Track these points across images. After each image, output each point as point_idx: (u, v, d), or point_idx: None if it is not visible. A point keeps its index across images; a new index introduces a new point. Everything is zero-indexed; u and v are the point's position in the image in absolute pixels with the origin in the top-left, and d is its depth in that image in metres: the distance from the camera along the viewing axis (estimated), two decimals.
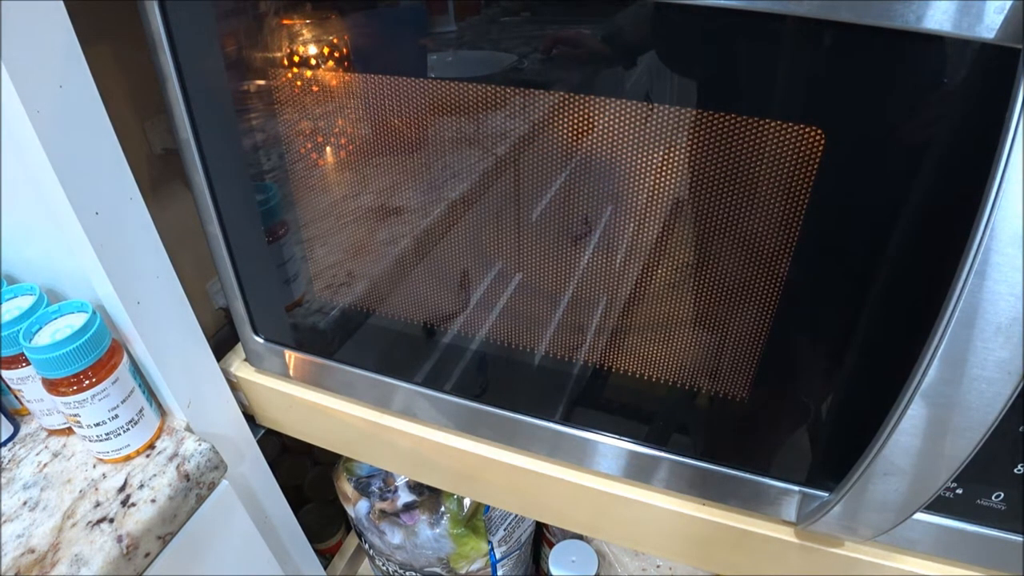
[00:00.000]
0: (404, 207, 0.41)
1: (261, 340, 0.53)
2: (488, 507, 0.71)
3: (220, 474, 0.49)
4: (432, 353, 0.47)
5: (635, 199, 0.34)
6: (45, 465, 0.47)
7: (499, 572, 0.75)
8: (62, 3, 0.36)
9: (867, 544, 0.42)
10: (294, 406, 0.56)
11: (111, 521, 0.42)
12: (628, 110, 0.32)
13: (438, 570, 0.73)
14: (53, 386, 0.42)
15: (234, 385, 0.57)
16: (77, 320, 0.42)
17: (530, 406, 0.46)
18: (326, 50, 0.37)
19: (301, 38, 0.37)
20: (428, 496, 0.70)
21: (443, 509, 0.70)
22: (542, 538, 0.81)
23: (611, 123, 0.32)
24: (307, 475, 0.92)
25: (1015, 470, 0.35)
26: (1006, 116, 0.24)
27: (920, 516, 0.38)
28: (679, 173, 0.32)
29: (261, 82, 0.39)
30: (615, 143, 0.33)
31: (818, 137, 0.29)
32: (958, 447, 0.32)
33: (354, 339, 0.50)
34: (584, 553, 0.71)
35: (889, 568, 0.41)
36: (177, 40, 0.38)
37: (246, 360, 0.56)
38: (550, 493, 0.49)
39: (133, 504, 0.43)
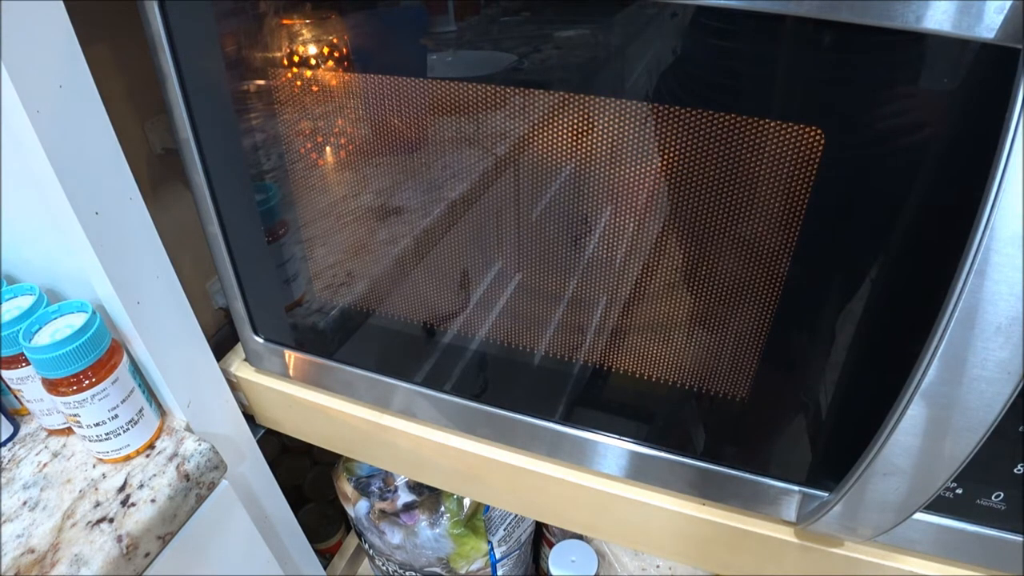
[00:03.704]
0: (404, 207, 0.41)
1: (261, 340, 0.53)
2: (488, 507, 0.71)
3: (220, 474, 0.49)
4: (432, 353, 0.47)
5: (635, 199, 0.34)
6: (45, 465, 0.47)
7: (499, 572, 0.75)
8: (62, 3, 0.36)
9: (867, 544, 0.42)
10: (294, 406, 0.56)
11: (111, 521, 0.42)
12: (628, 110, 0.32)
13: (438, 570, 0.73)
14: (53, 386, 0.42)
15: (234, 385, 0.57)
16: (77, 320, 0.42)
17: (530, 406, 0.46)
18: (326, 50, 0.37)
19: (301, 38, 0.37)
20: (428, 496, 0.70)
21: (443, 509, 0.70)
22: (542, 538, 0.81)
23: (611, 123, 0.32)
24: (307, 475, 0.92)
25: (1015, 470, 0.35)
26: (1006, 116, 0.24)
27: (920, 516, 0.38)
28: (679, 173, 0.32)
29: (261, 82, 0.39)
30: (615, 143, 0.33)
31: (818, 137, 0.29)
32: (958, 447, 0.32)
33: (354, 339, 0.50)
34: (584, 553, 0.71)
35: (889, 568, 0.41)
36: (177, 40, 0.38)
37: (246, 360, 0.56)
38: (550, 493, 0.49)
39: (133, 504, 0.43)
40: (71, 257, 0.42)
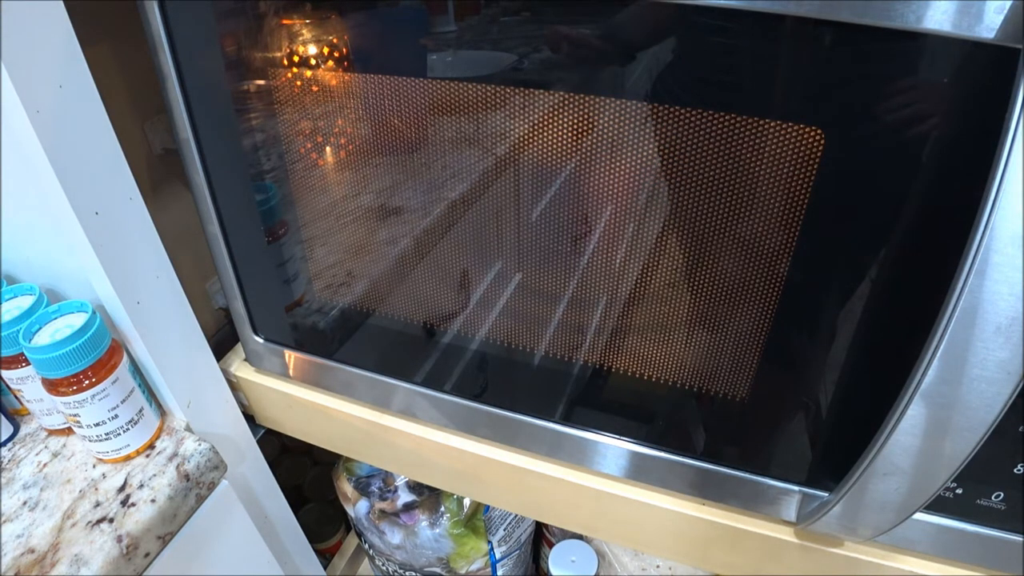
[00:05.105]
0: (404, 207, 0.41)
1: (261, 340, 0.53)
2: (488, 507, 0.71)
3: (220, 474, 0.49)
4: (432, 353, 0.47)
5: (635, 199, 0.34)
6: (45, 465, 0.47)
7: (499, 572, 0.75)
8: (62, 3, 0.36)
9: (867, 544, 0.42)
10: (294, 406, 0.56)
11: (111, 521, 0.42)
12: (628, 110, 0.32)
13: (438, 570, 0.73)
14: (53, 386, 0.42)
15: (234, 385, 0.57)
16: (77, 320, 0.42)
17: (530, 406, 0.46)
18: (326, 50, 0.37)
19: (301, 38, 0.37)
20: (428, 496, 0.70)
21: (443, 509, 0.70)
22: (542, 538, 0.81)
23: (611, 123, 0.32)
24: (307, 475, 0.92)
25: (1015, 470, 0.35)
26: (1006, 116, 0.24)
27: (920, 516, 0.38)
28: (679, 173, 0.32)
29: (261, 82, 0.39)
30: (615, 143, 0.33)
31: (818, 137, 0.29)
32: (958, 447, 0.32)
33: (354, 339, 0.50)
34: (584, 553, 0.71)
35: (889, 568, 0.41)
36: (177, 40, 0.38)
37: (246, 360, 0.56)
38: (550, 493, 0.49)
39: (133, 504, 0.43)
40: (71, 257, 0.42)
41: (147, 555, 0.43)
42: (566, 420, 0.45)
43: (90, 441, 0.45)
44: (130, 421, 0.45)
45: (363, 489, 0.71)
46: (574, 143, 0.34)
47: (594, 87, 0.32)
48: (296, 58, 0.37)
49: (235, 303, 0.51)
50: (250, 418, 0.60)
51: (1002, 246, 0.26)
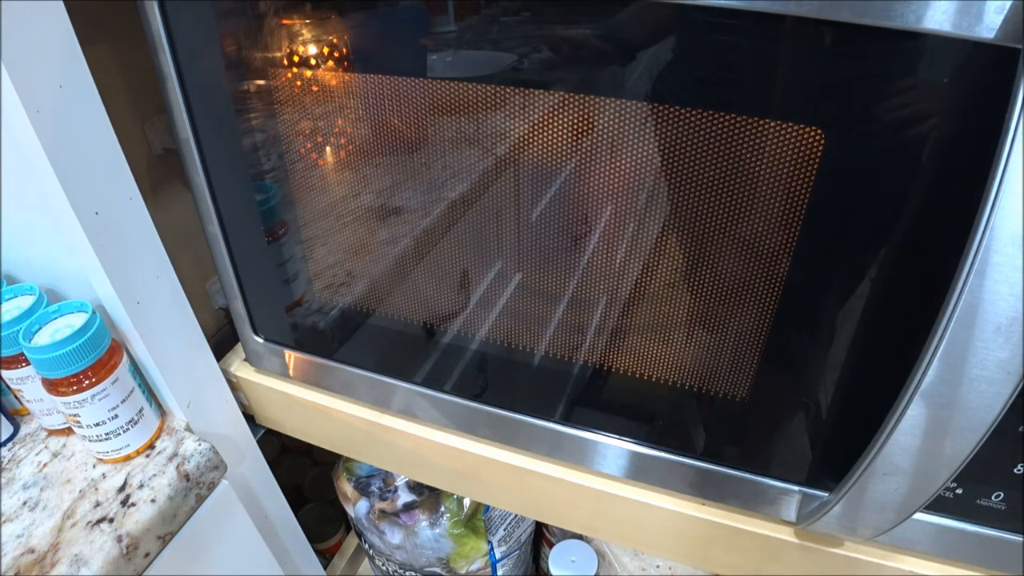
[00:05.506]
0: (404, 207, 0.41)
1: (261, 340, 0.53)
2: (488, 507, 0.71)
3: (220, 474, 0.49)
4: (432, 353, 0.47)
5: (635, 199, 0.34)
6: (45, 465, 0.47)
7: (499, 572, 0.75)
8: (62, 3, 0.36)
9: (867, 544, 0.42)
10: (294, 406, 0.56)
11: (111, 521, 0.42)
12: (628, 110, 0.32)
13: (438, 570, 0.73)
14: (53, 386, 0.42)
15: (234, 385, 0.57)
16: (77, 320, 0.42)
17: (530, 406, 0.46)
18: (326, 50, 0.37)
19: (301, 38, 0.37)
20: (428, 496, 0.70)
21: (443, 509, 0.70)
22: (542, 538, 0.81)
23: (611, 123, 0.32)
24: (307, 475, 0.92)
25: (1015, 470, 0.35)
26: (1006, 116, 0.24)
27: (920, 516, 0.38)
28: (679, 173, 0.32)
29: (261, 82, 0.39)
30: (615, 143, 0.33)
31: (818, 137, 0.29)
32: (958, 447, 0.32)
33: (354, 339, 0.50)
34: (584, 553, 0.71)
35: (889, 568, 0.41)
36: (177, 40, 0.38)
37: (246, 360, 0.56)
38: (550, 493, 0.49)
39: (133, 504, 0.43)
40: (71, 257, 0.42)
41: (147, 555, 0.43)
42: (566, 420, 0.45)
43: (90, 441, 0.45)
44: (130, 421, 0.45)
45: (363, 489, 0.71)
46: (574, 143, 0.34)
47: (594, 87, 0.32)
48: (296, 58, 0.37)
49: (235, 303, 0.51)
50: (250, 418, 0.60)
51: (1002, 246, 0.26)
